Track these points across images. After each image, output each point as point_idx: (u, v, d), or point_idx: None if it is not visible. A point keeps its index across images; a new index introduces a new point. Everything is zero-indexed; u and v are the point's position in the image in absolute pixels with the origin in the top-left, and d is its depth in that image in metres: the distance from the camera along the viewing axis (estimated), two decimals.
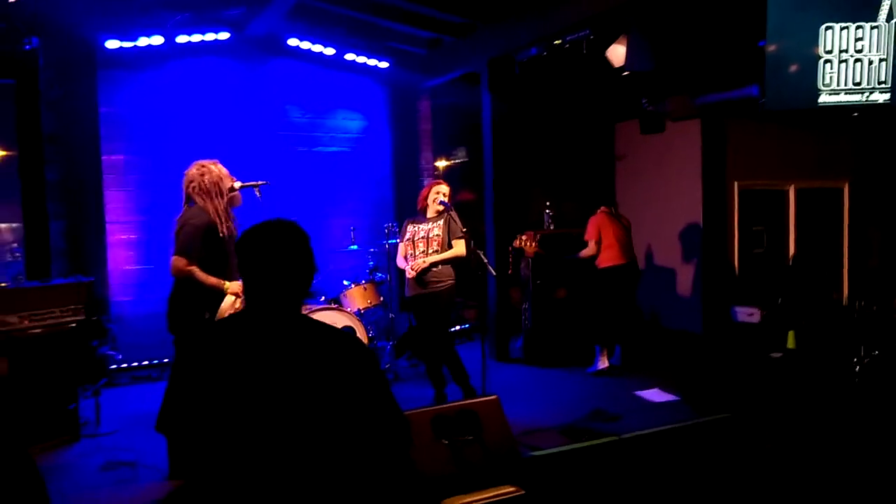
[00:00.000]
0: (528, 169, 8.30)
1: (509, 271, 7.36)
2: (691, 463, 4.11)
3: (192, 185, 4.07)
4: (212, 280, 3.97)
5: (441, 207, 5.28)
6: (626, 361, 6.52)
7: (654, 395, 5.75)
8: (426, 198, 5.42)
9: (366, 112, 8.21)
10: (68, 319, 4.86)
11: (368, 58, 7.93)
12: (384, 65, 8.05)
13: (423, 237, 5.26)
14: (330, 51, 7.67)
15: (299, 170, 7.68)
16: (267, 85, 7.55)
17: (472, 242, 5.23)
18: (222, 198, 4.09)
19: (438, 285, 5.16)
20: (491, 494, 3.23)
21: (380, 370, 1.76)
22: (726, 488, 3.86)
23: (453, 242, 5.22)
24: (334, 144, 7.99)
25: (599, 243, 6.47)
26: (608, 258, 6.46)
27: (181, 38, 6.78)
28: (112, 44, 6.48)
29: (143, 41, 6.57)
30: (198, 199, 4.05)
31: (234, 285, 4.08)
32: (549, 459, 4.04)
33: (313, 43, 7.58)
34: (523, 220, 7.76)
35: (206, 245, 3.97)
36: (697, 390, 5.54)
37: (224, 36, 7.02)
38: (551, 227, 7.37)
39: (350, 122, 8.10)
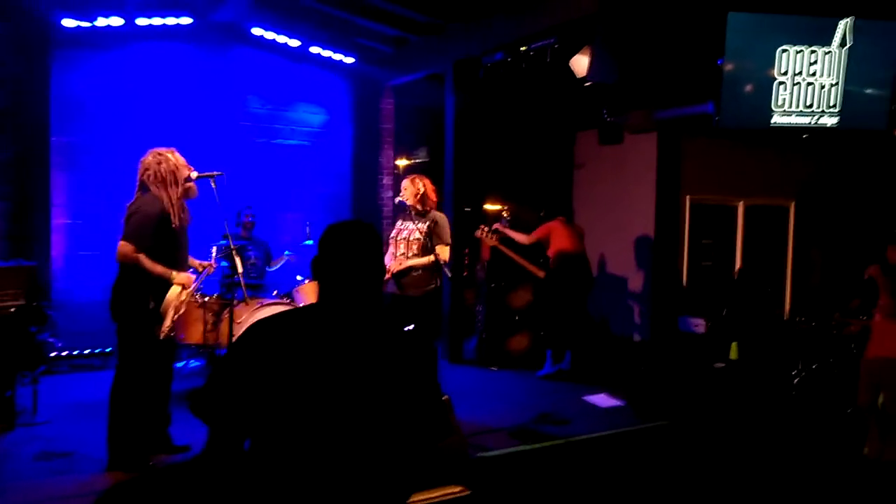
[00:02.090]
0: (489, 172, 8.34)
1: (464, 273, 7.40)
2: (633, 467, 4.20)
3: (148, 172, 3.98)
4: (158, 269, 3.89)
5: (424, 206, 5.08)
6: (576, 366, 6.62)
7: (602, 399, 5.84)
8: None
9: (328, 107, 8.14)
10: (8, 304, 4.71)
11: (334, 52, 7.87)
12: (349, 60, 8.00)
13: (404, 238, 5.05)
14: (295, 42, 7.59)
15: (257, 161, 7.57)
16: (228, 73, 7.42)
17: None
18: (177, 187, 4.01)
19: (415, 290, 4.96)
20: (437, 494, 3.23)
21: (433, 368, 1.83)
22: (665, 493, 3.96)
23: (437, 248, 4.98)
24: (294, 137, 7.90)
25: (537, 244, 6.60)
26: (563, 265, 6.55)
27: (141, 21, 6.62)
28: (69, 22, 6.29)
29: (101, 21, 6.40)
30: (152, 188, 3.96)
31: (182, 276, 4.00)
32: (497, 461, 4.07)
33: (278, 33, 7.48)
34: (481, 223, 7.78)
35: (157, 234, 3.90)
36: (642, 396, 5.66)
37: (186, 21, 6.88)
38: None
39: (311, 116, 8.03)
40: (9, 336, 4.69)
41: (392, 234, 5.15)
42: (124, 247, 3.82)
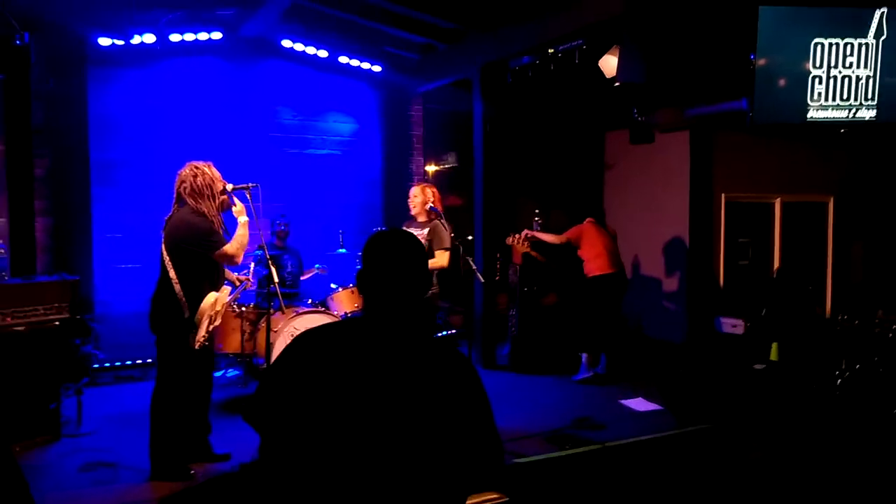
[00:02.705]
0: (518, 176, 8.33)
1: (497, 277, 7.38)
2: (674, 472, 4.14)
3: (184, 185, 4.06)
4: (237, 240, 4.09)
5: (429, 214, 5.22)
6: (611, 370, 6.56)
7: (639, 403, 5.78)
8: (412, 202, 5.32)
9: (357, 115, 8.21)
10: (52, 317, 4.82)
11: (361, 61, 7.94)
12: (377, 69, 8.06)
13: None
14: (323, 53, 7.67)
15: (289, 172, 7.67)
16: (259, 86, 7.53)
17: (462, 249, 5.23)
18: (214, 200, 4.09)
19: None
20: (474, 501, 3.22)
21: (484, 393, 1.75)
22: (708, 499, 3.89)
23: (436, 253, 5.08)
24: (325, 147, 7.99)
25: (567, 245, 6.55)
26: (597, 267, 6.49)
27: (174, 37, 6.76)
28: (104, 41, 6.45)
29: (135, 39, 6.54)
30: (189, 200, 4.05)
31: (239, 215, 4.16)
32: (534, 467, 4.04)
33: (306, 45, 7.57)
34: (512, 226, 7.75)
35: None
36: (681, 400, 5.57)
37: (217, 36, 7.01)
38: None
39: (341, 125, 8.10)
40: (53, 349, 4.81)
41: None
42: (228, 249, 4.00)
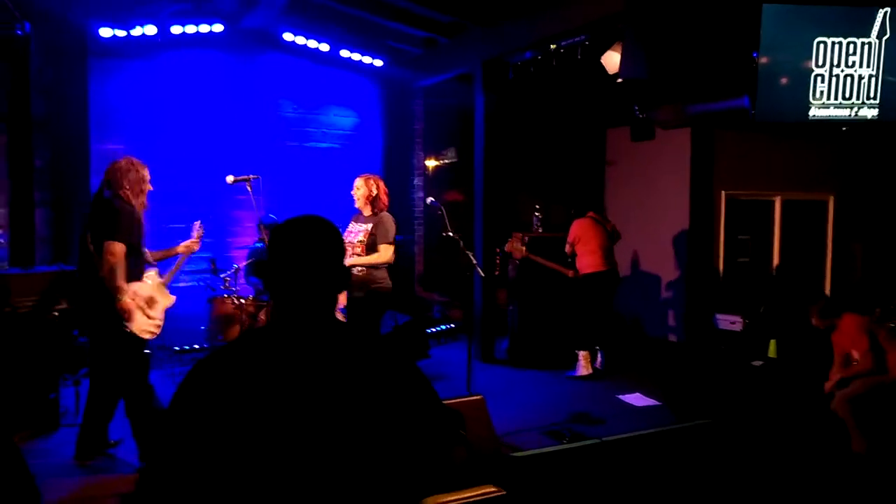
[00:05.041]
0: (519, 171, 8.33)
1: (496, 272, 7.39)
2: (672, 467, 4.15)
3: (118, 175, 3.99)
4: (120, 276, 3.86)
5: (373, 207, 5.01)
6: (609, 366, 6.57)
7: (636, 399, 5.79)
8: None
9: (358, 109, 8.20)
10: (51, 308, 4.83)
11: (363, 55, 7.93)
12: (378, 63, 8.05)
13: (350, 240, 4.95)
14: (325, 46, 7.66)
15: (290, 165, 7.67)
16: (260, 79, 7.53)
17: (462, 243, 5.23)
18: (143, 196, 4.06)
19: (359, 291, 4.85)
20: (471, 494, 3.23)
21: (419, 373, 1.57)
22: (705, 493, 3.90)
23: (379, 247, 4.88)
24: (326, 140, 7.98)
25: (573, 245, 6.55)
26: (589, 264, 6.49)
27: (175, 29, 6.75)
28: (105, 32, 6.44)
29: (137, 30, 6.53)
30: (118, 190, 3.97)
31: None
32: (532, 460, 4.05)
33: (308, 38, 7.56)
34: (512, 221, 7.78)
35: (138, 231, 3.96)
36: (679, 396, 5.58)
37: (218, 28, 7.00)
38: (540, 230, 7.40)
39: (342, 119, 8.10)
40: (52, 339, 4.81)
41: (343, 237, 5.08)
42: (121, 249, 3.80)
